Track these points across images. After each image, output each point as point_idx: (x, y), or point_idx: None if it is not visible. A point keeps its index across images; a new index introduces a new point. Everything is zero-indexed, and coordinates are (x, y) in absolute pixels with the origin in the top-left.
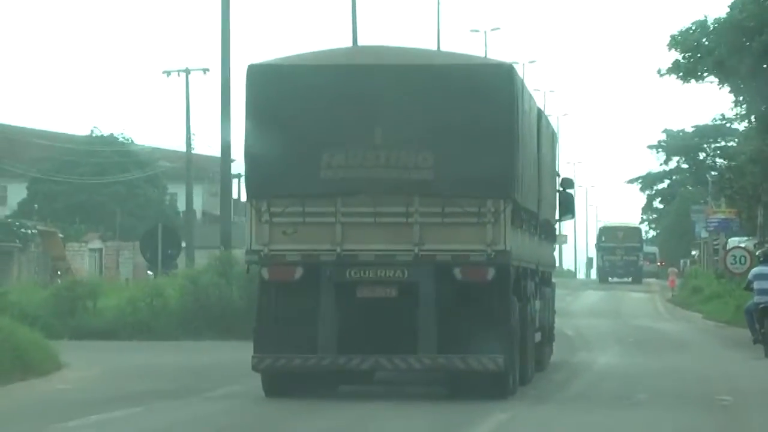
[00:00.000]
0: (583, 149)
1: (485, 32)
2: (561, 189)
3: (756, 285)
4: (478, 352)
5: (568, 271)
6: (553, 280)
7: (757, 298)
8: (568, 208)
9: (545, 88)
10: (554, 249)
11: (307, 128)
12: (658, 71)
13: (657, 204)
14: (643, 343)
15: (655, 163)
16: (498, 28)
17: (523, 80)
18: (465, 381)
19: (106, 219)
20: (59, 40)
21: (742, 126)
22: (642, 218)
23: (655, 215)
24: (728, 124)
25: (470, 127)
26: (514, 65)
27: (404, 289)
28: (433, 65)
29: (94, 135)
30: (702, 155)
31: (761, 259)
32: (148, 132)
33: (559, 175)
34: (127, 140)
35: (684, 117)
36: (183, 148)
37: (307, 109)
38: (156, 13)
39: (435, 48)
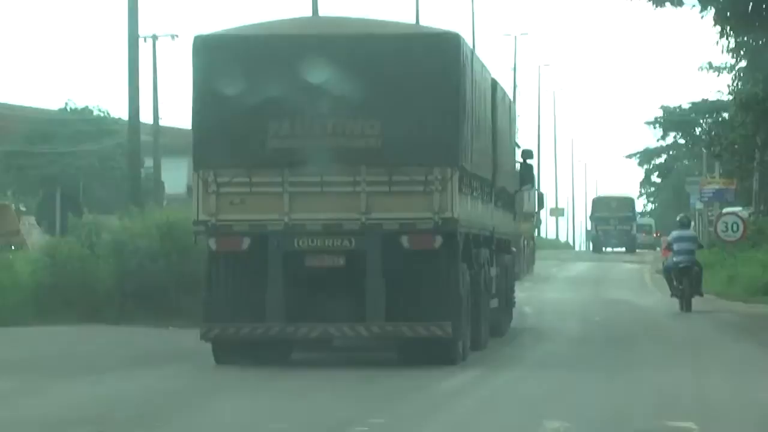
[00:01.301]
0: (581, 124)
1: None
2: (522, 160)
3: (675, 247)
4: (425, 319)
5: (566, 243)
6: (548, 250)
7: (676, 259)
8: (528, 178)
9: (540, 62)
10: (515, 216)
11: (253, 98)
12: None
13: (655, 178)
14: (610, 323)
15: (652, 138)
16: None
17: (473, 50)
18: (415, 347)
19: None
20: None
21: (731, 77)
22: (641, 192)
23: (653, 189)
24: (717, 74)
25: (417, 95)
26: (517, 36)
27: (352, 258)
28: (379, 35)
29: (68, 108)
30: (698, 130)
31: (681, 224)
32: (124, 104)
33: (519, 147)
34: (103, 112)
35: (681, 94)
36: (163, 121)
37: (254, 79)
38: None
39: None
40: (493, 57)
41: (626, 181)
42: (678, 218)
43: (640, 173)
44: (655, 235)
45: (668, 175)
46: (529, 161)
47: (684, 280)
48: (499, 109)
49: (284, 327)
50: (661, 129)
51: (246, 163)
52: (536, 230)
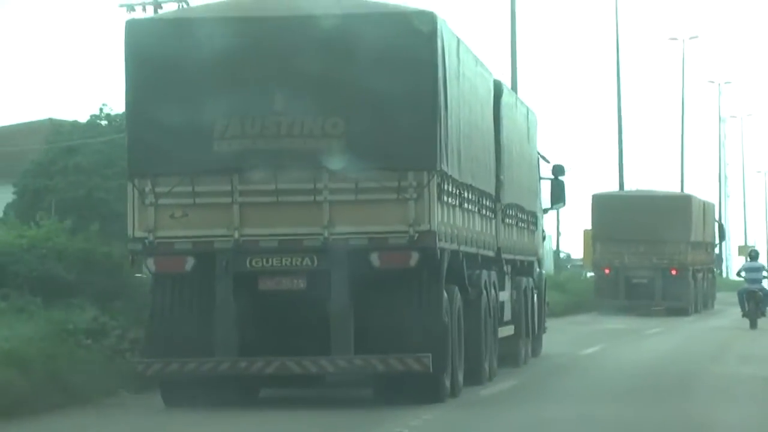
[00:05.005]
0: None
1: None
2: (553, 176)
3: (746, 275)
4: (401, 351)
5: None
6: None
7: (747, 285)
8: (559, 196)
9: (720, 79)
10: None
11: (196, 94)
12: None
13: None
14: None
15: None
16: None
17: (459, 38)
18: (392, 382)
19: (108, 218)
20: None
21: None
22: None
23: None
24: None
25: (387, 87)
26: (685, 41)
27: (314, 280)
28: (341, 15)
29: (103, 115)
30: None
31: (751, 256)
32: None
33: (548, 162)
34: None
35: None
36: None
37: (196, 71)
38: None
39: None
40: (657, 67)
41: None
42: (748, 252)
43: None
44: None
45: None
46: (560, 178)
47: (750, 303)
48: (504, 116)
49: (236, 362)
50: None
51: (188, 170)
52: (722, 267)
